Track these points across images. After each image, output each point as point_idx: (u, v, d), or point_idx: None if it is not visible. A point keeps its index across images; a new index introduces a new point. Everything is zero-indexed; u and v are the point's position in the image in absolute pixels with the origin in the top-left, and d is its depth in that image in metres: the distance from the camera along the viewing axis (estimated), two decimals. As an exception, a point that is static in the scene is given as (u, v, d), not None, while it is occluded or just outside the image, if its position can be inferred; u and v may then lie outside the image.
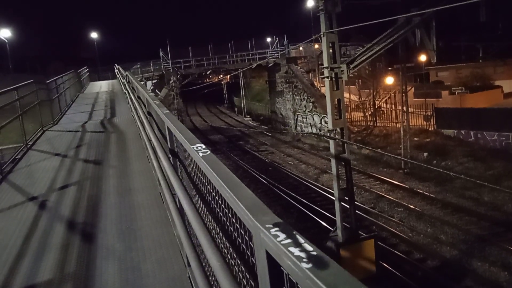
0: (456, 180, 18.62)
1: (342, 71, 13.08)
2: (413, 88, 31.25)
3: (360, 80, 35.83)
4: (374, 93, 32.50)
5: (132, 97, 8.89)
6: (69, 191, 6.29)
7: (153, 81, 38.91)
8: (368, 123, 31.82)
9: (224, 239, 1.87)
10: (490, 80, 35.42)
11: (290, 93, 36.44)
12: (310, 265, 0.94)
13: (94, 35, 51.48)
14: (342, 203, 13.40)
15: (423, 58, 31.47)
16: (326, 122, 25.56)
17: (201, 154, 2.06)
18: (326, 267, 0.93)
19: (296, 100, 35.77)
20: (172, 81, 36.90)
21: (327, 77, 13.19)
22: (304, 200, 19.20)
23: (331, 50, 13.14)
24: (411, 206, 17.51)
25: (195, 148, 2.21)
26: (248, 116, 51.33)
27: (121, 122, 12.35)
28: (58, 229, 4.95)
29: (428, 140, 25.67)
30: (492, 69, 36.45)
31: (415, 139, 25.49)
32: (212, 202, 2.02)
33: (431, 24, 14.20)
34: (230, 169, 1.78)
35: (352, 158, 17.77)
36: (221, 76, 59.75)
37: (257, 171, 24.84)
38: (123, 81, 16.07)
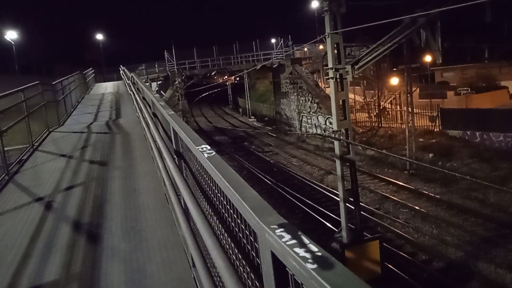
0: (462, 181, 18.52)
1: (346, 72, 13.06)
2: (418, 89, 31.12)
3: (365, 81, 35.75)
4: (379, 94, 32.41)
5: (137, 98, 8.92)
6: (75, 192, 6.32)
7: (158, 82, 39.06)
8: (373, 124, 31.72)
9: (229, 239, 1.87)
10: (496, 80, 35.23)
11: (295, 94, 36.42)
12: (315, 266, 0.94)
13: (99, 36, 51.78)
14: (347, 204, 13.37)
15: (428, 58, 31.36)
16: (330, 123, 25.54)
17: (206, 155, 2.06)
18: (331, 268, 0.93)
19: (301, 101, 35.74)
20: (177, 82, 36.99)
21: (332, 78, 13.18)
22: (308, 201, 19.17)
23: (335, 51, 13.13)
24: (416, 207, 17.44)
25: (200, 149, 2.21)
26: (253, 117, 51.32)
27: (127, 123, 12.40)
28: (64, 229, 4.98)
29: (433, 141, 25.55)
30: (497, 69, 36.25)
31: (420, 140, 25.39)
32: (217, 202, 2.03)
33: (436, 25, 14.16)
34: (235, 170, 1.79)
35: (357, 159, 17.71)
36: (226, 77, 59.80)
37: (262, 172, 24.83)
38: (128, 82, 16.12)
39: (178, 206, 2.71)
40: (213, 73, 45.66)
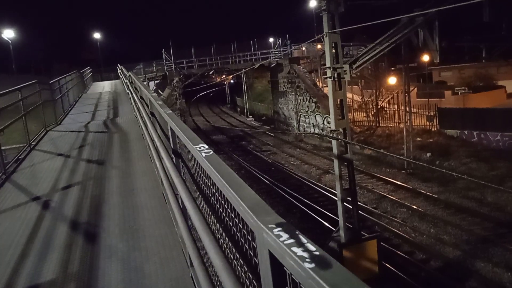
0: (459, 180, 18.56)
1: (344, 71, 13.07)
2: (416, 88, 31.18)
3: (362, 80, 35.78)
4: (377, 93, 32.45)
5: (135, 97, 8.90)
6: (72, 191, 6.30)
7: (156, 82, 38.97)
8: (371, 123, 31.77)
9: (226, 239, 1.87)
10: (494, 80, 35.34)
11: (293, 93, 36.41)
12: (313, 265, 0.94)
13: (97, 35, 51.67)
14: (344, 203, 13.39)
15: (426, 58, 31.41)
16: (328, 122, 25.49)
17: (203, 154, 2.06)
18: (329, 267, 0.93)
19: (299, 100, 35.74)
20: (174, 81, 36.94)
21: (330, 77, 13.18)
22: (306, 201, 19.18)
23: (333, 50, 13.13)
24: (414, 207, 17.47)
25: (198, 148, 2.21)
26: (251, 117, 51.32)
27: (124, 122, 12.37)
28: (61, 229, 4.97)
29: (431, 140, 25.60)
30: (495, 69, 36.36)
31: (418, 139, 25.43)
32: (215, 202, 2.02)
33: (434, 24, 14.18)
34: (233, 169, 1.79)
35: (354, 158, 17.74)
36: (224, 76, 59.77)
37: (260, 171, 24.84)
38: (126, 81, 16.09)
39: (176, 205, 2.70)
40: (211, 72, 45.58)
